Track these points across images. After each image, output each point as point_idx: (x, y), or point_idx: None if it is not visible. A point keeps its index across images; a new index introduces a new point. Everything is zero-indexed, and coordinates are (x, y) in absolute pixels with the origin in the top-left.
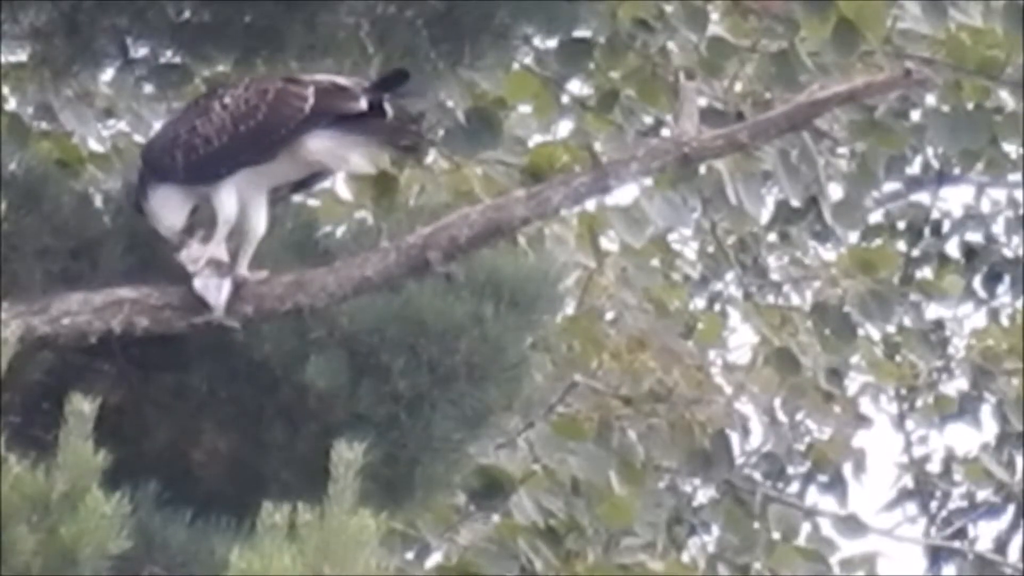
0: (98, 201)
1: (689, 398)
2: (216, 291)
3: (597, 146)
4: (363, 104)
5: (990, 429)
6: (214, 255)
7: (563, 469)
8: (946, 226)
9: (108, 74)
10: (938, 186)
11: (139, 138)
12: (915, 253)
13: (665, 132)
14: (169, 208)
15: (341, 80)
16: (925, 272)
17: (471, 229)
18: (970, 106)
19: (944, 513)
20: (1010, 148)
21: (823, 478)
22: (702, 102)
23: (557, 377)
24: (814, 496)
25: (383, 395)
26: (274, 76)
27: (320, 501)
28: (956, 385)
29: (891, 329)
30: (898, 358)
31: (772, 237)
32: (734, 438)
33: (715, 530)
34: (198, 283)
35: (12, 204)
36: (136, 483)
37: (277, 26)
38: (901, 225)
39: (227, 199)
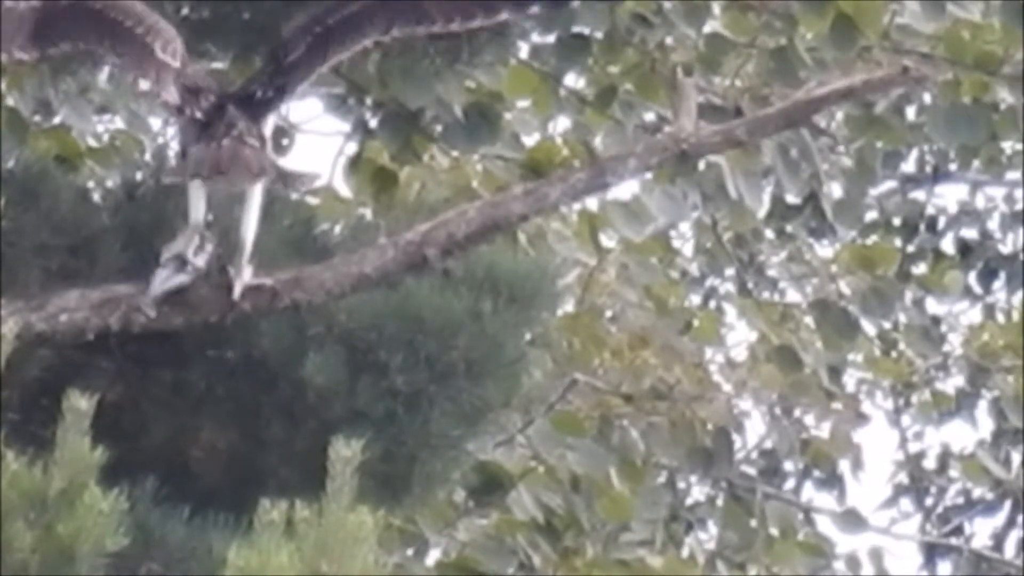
0: (96, 197)
1: (690, 395)
2: (160, 281)
3: (596, 141)
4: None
5: (986, 426)
6: (177, 252)
7: (562, 465)
8: (941, 222)
9: (106, 71)
10: (934, 183)
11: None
12: (910, 249)
13: (664, 128)
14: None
15: None
16: (920, 268)
17: (469, 226)
18: (967, 101)
19: (940, 510)
20: (1005, 145)
21: (818, 474)
22: (700, 98)
23: (558, 374)
24: (809, 492)
25: (381, 391)
26: None
27: (318, 498)
28: (953, 382)
29: (887, 325)
30: (894, 354)
31: (769, 233)
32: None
33: (711, 527)
34: (155, 277)
35: (10, 200)
36: (134, 480)
37: (275, 23)
38: (896, 221)
39: (197, 203)
